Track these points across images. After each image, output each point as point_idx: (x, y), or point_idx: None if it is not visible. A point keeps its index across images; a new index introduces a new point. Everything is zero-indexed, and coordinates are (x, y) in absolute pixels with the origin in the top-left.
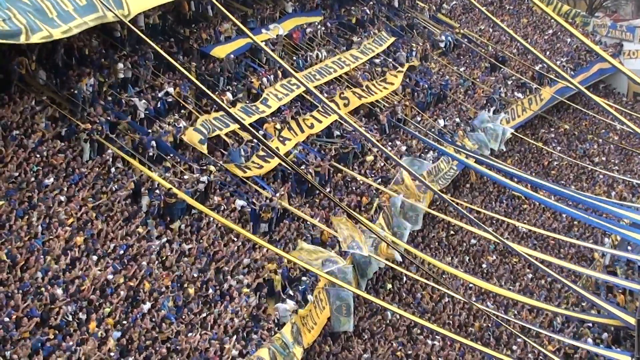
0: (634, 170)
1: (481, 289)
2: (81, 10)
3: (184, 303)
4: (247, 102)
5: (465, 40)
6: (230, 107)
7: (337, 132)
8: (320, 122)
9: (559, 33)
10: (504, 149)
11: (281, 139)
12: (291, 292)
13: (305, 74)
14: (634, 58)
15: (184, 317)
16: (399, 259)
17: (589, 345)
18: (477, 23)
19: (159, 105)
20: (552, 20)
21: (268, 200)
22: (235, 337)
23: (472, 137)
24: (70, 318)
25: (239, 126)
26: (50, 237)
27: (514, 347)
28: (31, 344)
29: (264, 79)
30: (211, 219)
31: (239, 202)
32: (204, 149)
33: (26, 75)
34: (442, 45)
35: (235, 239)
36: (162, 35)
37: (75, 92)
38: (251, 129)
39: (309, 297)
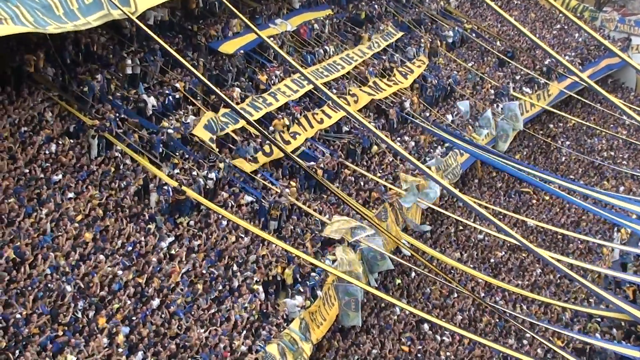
0: None
1: (490, 284)
2: (87, 8)
3: (193, 299)
4: (256, 96)
5: (473, 35)
6: (239, 104)
7: (345, 128)
8: (329, 117)
9: (567, 28)
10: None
11: (291, 134)
12: (300, 288)
13: (313, 69)
14: None
15: (193, 313)
16: (407, 253)
17: (598, 340)
18: (485, 18)
19: (167, 101)
20: (560, 15)
21: (277, 196)
22: (244, 333)
23: (480, 132)
24: (79, 315)
25: (246, 122)
26: (59, 233)
27: (524, 342)
28: (40, 340)
29: (272, 75)
30: (220, 215)
31: (248, 198)
32: (213, 146)
33: (34, 72)
34: (450, 40)
35: (245, 235)
36: (170, 32)
37: (84, 88)
38: (258, 126)
39: (318, 292)
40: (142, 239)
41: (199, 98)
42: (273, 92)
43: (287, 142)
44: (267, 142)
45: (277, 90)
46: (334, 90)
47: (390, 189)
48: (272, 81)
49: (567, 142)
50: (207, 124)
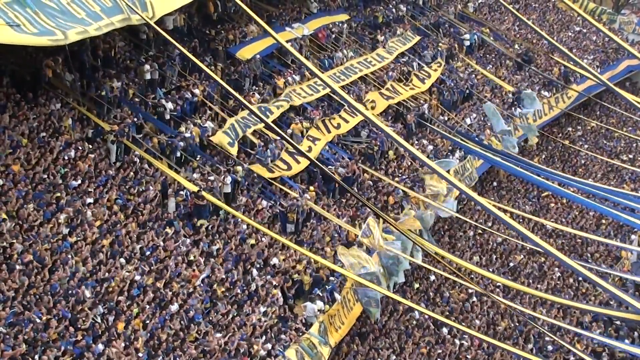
0: None
1: (509, 288)
2: (107, 11)
3: (212, 304)
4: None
5: (491, 38)
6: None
7: (364, 132)
8: (347, 122)
9: (585, 31)
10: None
11: (310, 139)
12: (319, 292)
13: (330, 73)
14: None
15: (212, 317)
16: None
17: (619, 342)
18: (503, 22)
19: (185, 106)
20: (578, 18)
21: (295, 200)
22: (263, 337)
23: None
24: (98, 320)
25: (264, 125)
26: (78, 239)
27: (549, 348)
28: (60, 345)
29: (289, 79)
30: (239, 219)
31: (266, 203)
32: (232, 151)
33: (53, 77)
34: (467, 44)
35: (263, 240)
36: (188, 37)
37: (103, 93)
38: (277, 128)
39: (337, 296)
40: (161, 243)
41: (215, 103)
42: (288, 95)
43: (309, 149)
44: (286, 152)
45: (292, 91)
46: (352, 95)
47: (409, 195)
48: (289, 85)
49: (586, 145)
50: (227, 130)
